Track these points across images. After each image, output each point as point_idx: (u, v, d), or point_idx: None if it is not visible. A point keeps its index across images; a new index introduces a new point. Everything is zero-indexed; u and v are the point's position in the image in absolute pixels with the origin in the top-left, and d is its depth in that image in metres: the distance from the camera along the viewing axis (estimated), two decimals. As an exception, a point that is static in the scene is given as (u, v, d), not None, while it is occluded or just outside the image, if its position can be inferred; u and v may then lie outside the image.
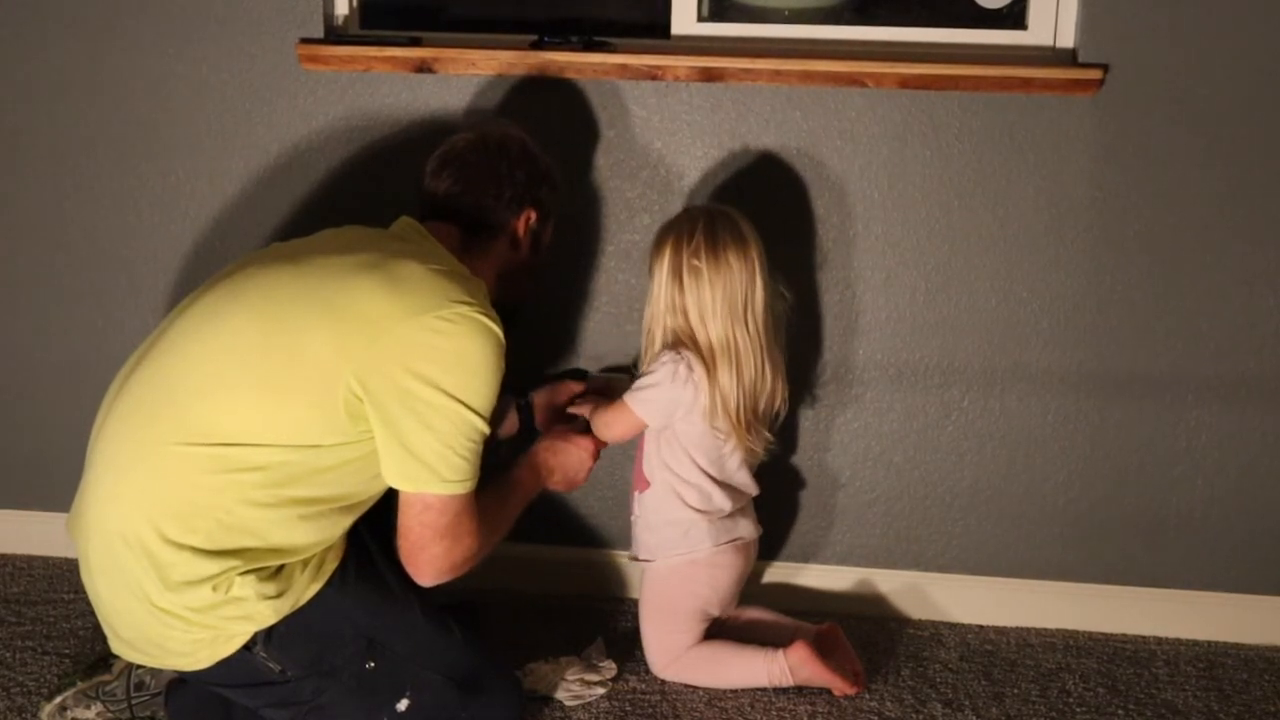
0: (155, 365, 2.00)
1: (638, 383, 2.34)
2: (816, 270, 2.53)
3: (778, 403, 2.37)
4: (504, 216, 2.20)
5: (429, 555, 2.01)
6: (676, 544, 2.37)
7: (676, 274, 2.29)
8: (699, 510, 2.35)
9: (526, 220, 2.22)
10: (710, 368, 2.28)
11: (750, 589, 2.55)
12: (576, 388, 2.49)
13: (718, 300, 2.26)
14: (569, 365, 2.63)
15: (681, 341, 2.30)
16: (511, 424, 2.46)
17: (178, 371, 1.97)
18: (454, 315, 1.94)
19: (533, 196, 2.22)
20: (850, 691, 2.34)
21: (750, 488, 2.42)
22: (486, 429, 1.99)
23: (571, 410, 2.44)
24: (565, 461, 2.33)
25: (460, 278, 2.03)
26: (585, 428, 2.38)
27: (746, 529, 2.41)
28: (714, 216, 2.31)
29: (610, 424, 2.36)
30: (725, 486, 2.37)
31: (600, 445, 2.37)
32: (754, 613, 2.49)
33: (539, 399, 2.48)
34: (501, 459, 2.23)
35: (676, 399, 2.30)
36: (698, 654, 2.39)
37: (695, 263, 2.27)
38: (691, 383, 2.28)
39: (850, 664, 2.38)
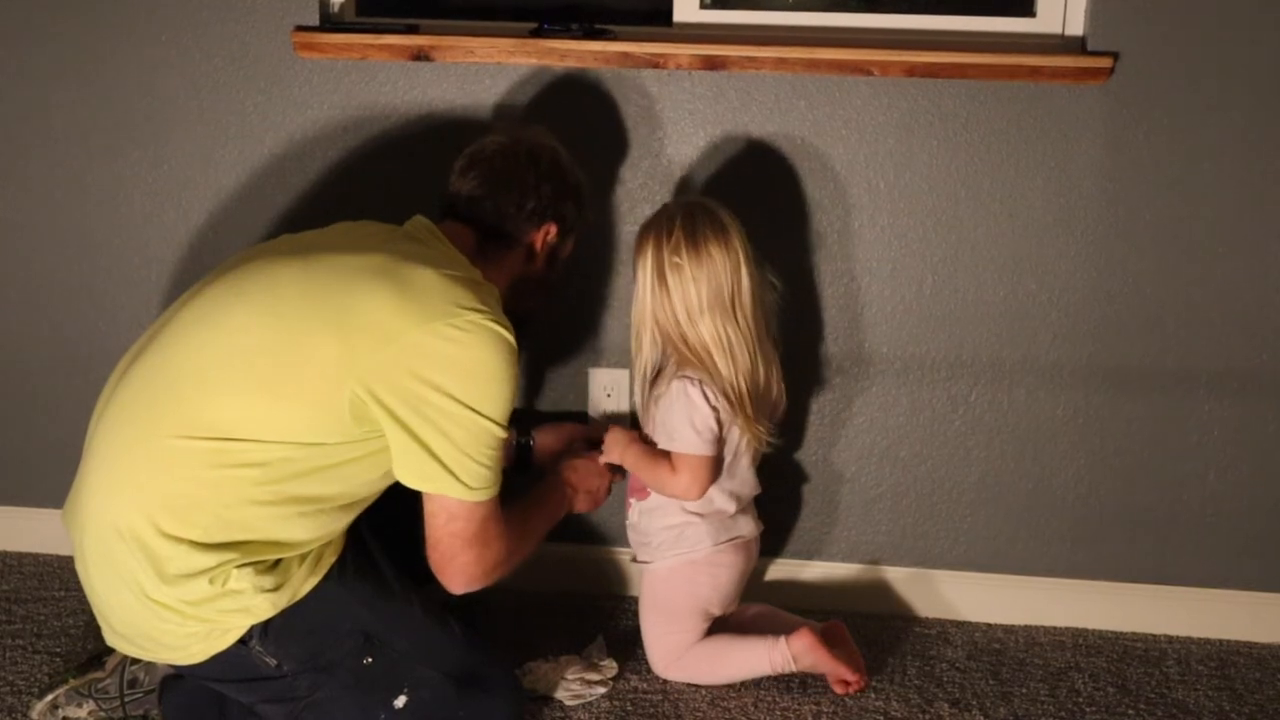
0: (157, 357, 1.97)
1: (669, 427, 2.27)
2: (821, 262, 2.50)
3: (773, 396, 2.33)
4: (523, 228, 2.17)
5: (460, 564, 2.01)
6: (674, 545, 2.34)
7: (660, 274, 2.25)
8: (697, 513, 2.32)
9: (545, 234, 2.19)
10: (707, 362, 2.24)
11: (753, 586, 2.52)
12: (579, 431, 2.50)
13: (704, 296, 2.23)
14: (568, 357, 2.60)
15: (672, 342, 2.27)
16: (508, 458, 2.44)
17: (180, 364, 1.95)
18: (466, 323, 1.92)
19: (556, 211, 2.19)
20: (852, 680, 2.29)
21: (753, 487, 2.39)
22: (504, 434, 1.98)
23: (576, 450, 2.45)
24: (585, 477, 2.37)
25: (472, 284, 2.00)
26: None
27: (746, 527, 2.37)
28: (692, 210, 2.27)
29: (683, 483, 2.27)
30: (729, 491, 2.33)
31: (615, 468, 2.39)
32: (757, 609, 2.45)
33: (541, 439, 2.48)
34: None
35: (708, 409, 2.25)
36: (699, 651, 2.36)
37: (676, 260, 2.23)
38: (705, 397, 2.25)
39: (854, 662, 2.34)
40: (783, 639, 2.29)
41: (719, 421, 2.26)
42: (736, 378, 2.24)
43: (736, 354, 2.24)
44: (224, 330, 1.95)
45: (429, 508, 1.99)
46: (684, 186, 2.49)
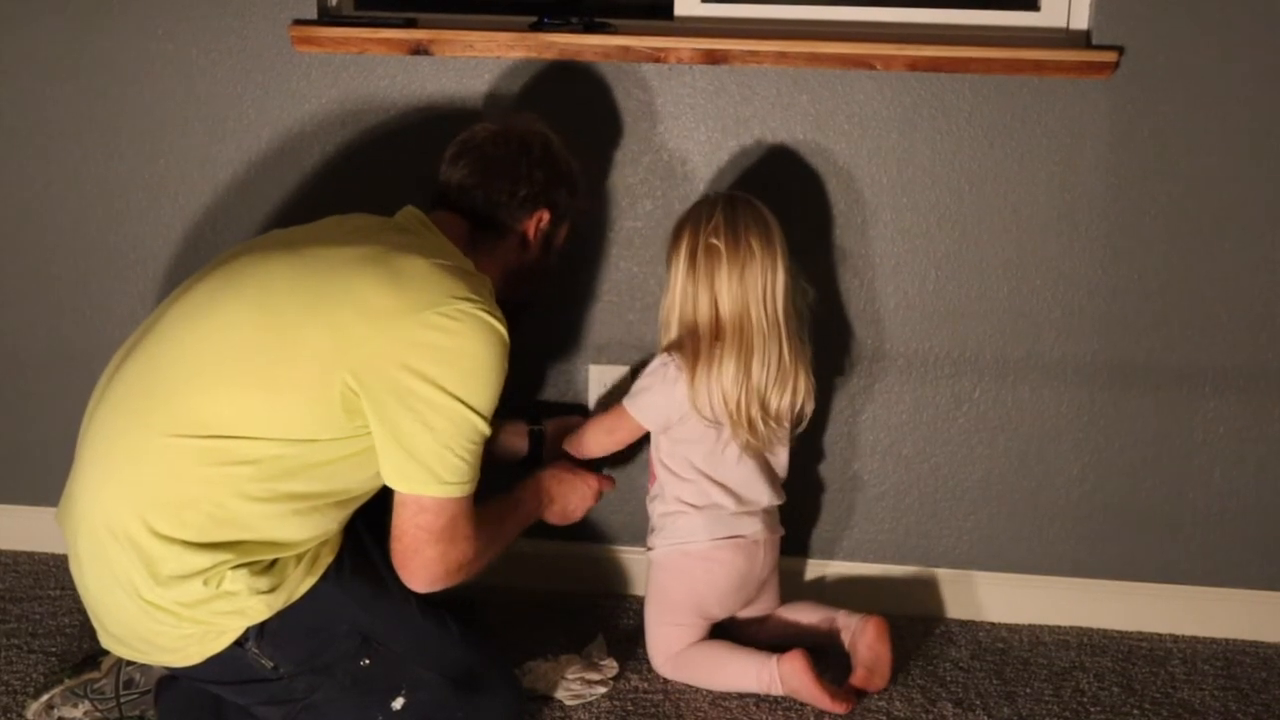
0: (148, 354, 1.96)
1: (633, 387, 2.32)
2: (822, 258, 2.49)
3: (800, 399, 2.30)
4: (515, 215, 2.15)
5: (423, 559, 1.97)
6: (673, 533, 2.34)
7: (693, 257, 2.24)
8: (695, 505, 2.31)
9: (538, 222, 2.17)
10: (711, 355, 2.22)
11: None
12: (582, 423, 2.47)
13: (734, 281, 2.21)
14: (566, 354, 2.58)
15: (693, 332, 2.25)
16: (520, 447, 2.45)
17: (171, 361, 1.93)
18: (456, 312, 1.90)
19: (548, 198, 2.17)
20: (838, 711, 2.26)
21: (761, 491, 2.34)
22: (487, 430, 1.95)
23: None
24: (568, 493, 2.33)
25: (464, 274, 1.98)
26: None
27: (750, 527, 2.33)
28: (735, 201, 2.27)
29: (612, 429, 2.35)
30: (724, 487, 2.31)
31: (605, 486, 2.37)
32: (796, 614, 2.43)
33: (551, 429, 2.47)
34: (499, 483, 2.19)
35: (670, 399, 2.26)
36: (697, 654, 2.35)
37: (713, 241, 2.22)
38: (682, 381, 2.24)
39: (880, 663, 2.31)
40: (774, 659, 2.27)
41: (668, 409, 2.27)
42: (739, 375, 2.22)
43: (754, 348, 2.22)
44: (216, 326, 1.93)
45: (398, 497, 1.95)
46: (685, 182, 2.47)
